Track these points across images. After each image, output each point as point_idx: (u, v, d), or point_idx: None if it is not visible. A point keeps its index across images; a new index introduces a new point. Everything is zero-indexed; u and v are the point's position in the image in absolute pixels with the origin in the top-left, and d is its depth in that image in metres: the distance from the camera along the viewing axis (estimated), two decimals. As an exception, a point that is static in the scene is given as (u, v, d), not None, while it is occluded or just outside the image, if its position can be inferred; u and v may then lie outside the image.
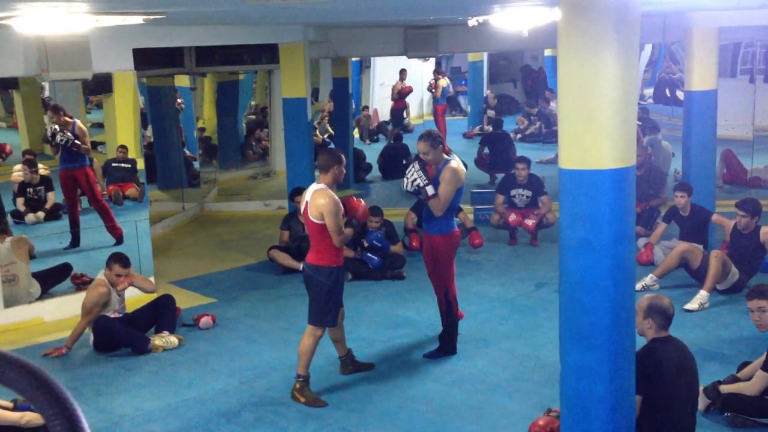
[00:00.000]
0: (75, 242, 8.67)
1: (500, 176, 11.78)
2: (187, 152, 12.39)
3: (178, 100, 12.36)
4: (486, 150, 13.58)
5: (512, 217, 9.55)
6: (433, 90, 17.64)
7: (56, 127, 8.29)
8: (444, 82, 17.87)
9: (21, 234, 8.10)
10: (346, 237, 5.64)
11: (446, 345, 6.39)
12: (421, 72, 18.78)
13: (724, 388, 5.20)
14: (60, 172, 8.74)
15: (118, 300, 6.79)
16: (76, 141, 8.31)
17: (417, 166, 5.99)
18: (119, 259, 6.79)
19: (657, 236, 8.65)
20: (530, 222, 9.41)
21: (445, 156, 6.06)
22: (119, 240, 8.47)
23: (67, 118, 8.42)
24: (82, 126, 8.50)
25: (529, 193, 9.68)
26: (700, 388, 5.00)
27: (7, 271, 7.47)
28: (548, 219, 9.49)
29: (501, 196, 9.83)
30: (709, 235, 8.42)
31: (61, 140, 8.27)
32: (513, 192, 9.77)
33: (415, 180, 5.93)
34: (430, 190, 5.92)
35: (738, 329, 6.79)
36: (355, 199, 6.03)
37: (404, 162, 13.49)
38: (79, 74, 7.40)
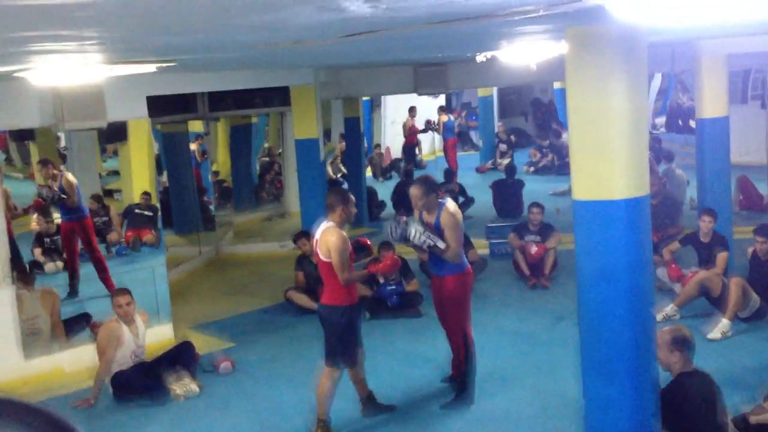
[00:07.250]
0: (73, 292, 8.67)
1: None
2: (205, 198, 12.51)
3: (201, 150, 12.44)
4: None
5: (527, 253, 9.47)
6: (435, 127, 17.79)
7: (41, 190, 8.58)
8: (445, 117, 17.98)
9: (43, 284, 8.12)
10: (354, 278, 5.59)
11: (464, 393, 6.11)
12: (431, 108, 18.92)
13: (753, 419, 5.11)
14: (61, 223, 8.90)
15: (134, 339, 6.68)
16: (62, 195, 8.40)
17: (418, 226, 5.86)
18: (117, 293, 6.78)
19: (669, 252, 8.52)
20: (533, 249, 9.33)
21: (439, 200, 5.99)
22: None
23: (55, 171, 8.54)
24: (70, 179, 8.53)
25: (539, 239, 9.49)
26: (728, 419, 4.92)
27: (32, 324, 7.42)
28: (549, 259, 9.34)
29: (514, 233, 9.74)
30: (729, 262, 8.33)
31: (47, 197, 8.44)
32: (525, 238, 9.60)
33: (424, 241, 5.83)
34: (441, 244, 5.82)
35: (762, 357, 6.70)
36: (391, 254, 6.47)
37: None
38: (94, 123, 7.48)
